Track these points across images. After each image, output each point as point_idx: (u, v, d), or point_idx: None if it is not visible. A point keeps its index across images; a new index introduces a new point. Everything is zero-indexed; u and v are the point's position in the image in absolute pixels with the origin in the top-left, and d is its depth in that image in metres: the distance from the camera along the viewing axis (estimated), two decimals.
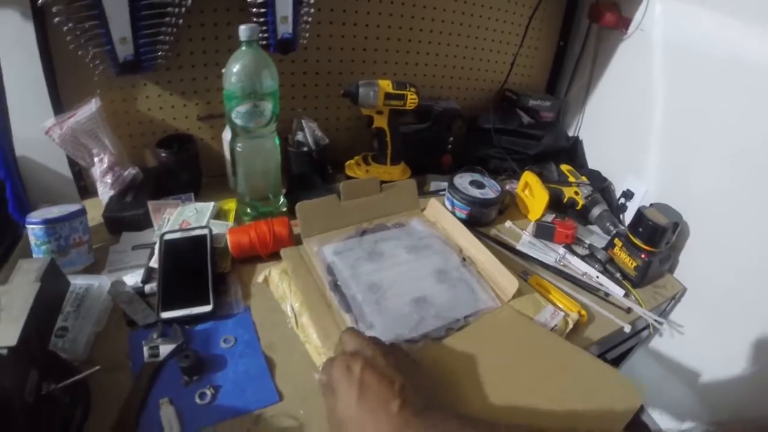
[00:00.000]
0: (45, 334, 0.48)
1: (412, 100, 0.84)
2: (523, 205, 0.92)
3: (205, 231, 0.67)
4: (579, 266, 0.79)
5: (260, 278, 0.65)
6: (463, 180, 0.87)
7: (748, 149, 0.72)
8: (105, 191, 0.77)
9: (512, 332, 0.58)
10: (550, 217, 0.88)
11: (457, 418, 0.38)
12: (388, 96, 0.82)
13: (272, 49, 0.79)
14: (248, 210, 0.78)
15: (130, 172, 0.79)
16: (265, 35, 0.77)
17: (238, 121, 0.69)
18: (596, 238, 0.87)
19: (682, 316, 0.82)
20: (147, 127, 0.84)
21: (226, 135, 0.82)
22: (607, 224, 0.87)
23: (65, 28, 0.65)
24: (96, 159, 0.77)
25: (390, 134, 0.87)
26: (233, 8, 0.78)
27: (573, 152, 1.10)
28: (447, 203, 0.87)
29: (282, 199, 0.81)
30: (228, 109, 0.68)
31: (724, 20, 0.75)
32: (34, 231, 0.61)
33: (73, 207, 0.65)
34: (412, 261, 0.67)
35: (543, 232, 0.84)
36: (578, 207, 0.90)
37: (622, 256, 0.78)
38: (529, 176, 0.90)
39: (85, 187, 0.84)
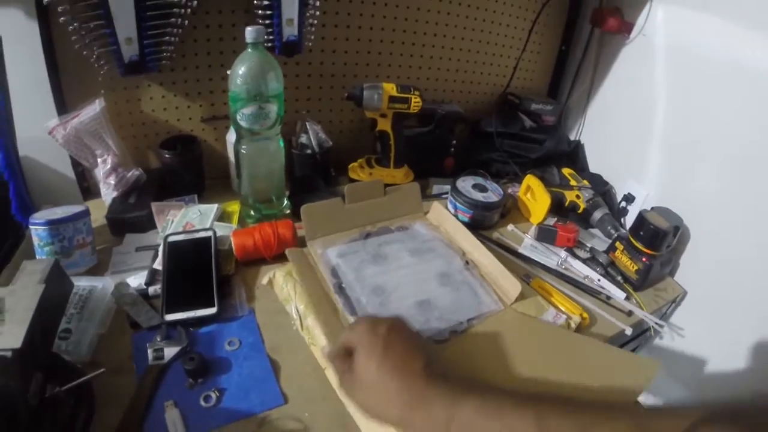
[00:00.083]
0: (49, 336, 0.48)
1: (416, 103, 0.84)
2: (525, 209, 0.93)
3: (209, 233, 0.67)
4: (581, 269, 0.79)
5: (264, 280, 0.65)
6: (465, 183, 0.87)
7: (749, 154, 0.72)
8: (108, 192, 0.77)
9: (518, 331, 0.59)
10: (551, 221, 0.88)
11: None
12: (392, 99, 0.83)
13: (277, 51, 0.79)
14: (252, 212, 0.78)
15: (134, 173, 0.79)
16: (271, 37, 0.77)
17: (244, 123, 0.69)
18: (597, 241, 0.87)
19: (682, 319, 0.82)
20: (151, 128, 0.84)
21: (230, 136, 0.82)
22: (609, 228, 0.87)
23: (70, 27, 0.65)
24: (99, 160, 0.76)
25: (393, 137, 0.87)
26: (238, 10, 0.79)
27: (574, 156, 1.10)
28: (450, 206, 0.87)
29: (285, 202, 0.82)
30: (233, 111, 0.68)
31: (725, 26, 0.75)
32: (37, 232, 0.61)
33: (77, 208, 0.65)
34: (416, 264, 0.67)
35: (545, 235, 0.84)
36: (580, 210, 0.91)
37: (623, 259, 0.78)
38: (531, 180, 0.91)
39: (88, 188, 0.83)
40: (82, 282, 0.60)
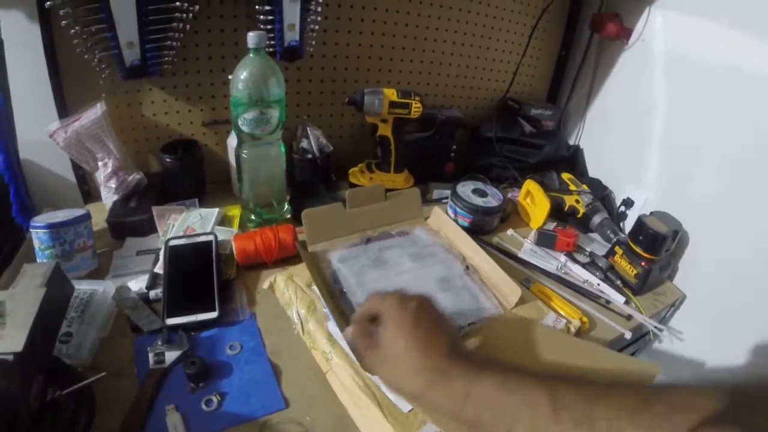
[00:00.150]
0: (50, 339, 0.48)
1: (416, 108, 0.84)
2: (525, 214, 0.93)
3: (211, 237, 0.67)
4: (580, 274, 0.79)
5: (265, 285, 0.65)
6: (465, 188, 0.87)
7: (748, 158, 0.73)
8: (109, 196, 0.77)
9: (518, 335, 0.59)
10: (551, 225, 0.89)
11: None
12: (392, 104, 0.83)
13: (279, 56, 0.79)
14: (252, 216, 0.78)
15: (135, 177, 0.79)
16: (272, 42, 0.78)
17: (245, 128, 0.69)
18: (597, 245, 0.87)
19: (681, 323, 0.83)
20: (152, 132, 0.84)
21: (231, 141, 0.83)
22: (608, 232, 0.88)
23: (72, 31, 0.66)
24: (100, 163, 0.76)
25: (394, 142, 0.88)
26: (240, 15, 0.79)
27: (574, 161, 1.11)
28: (450, 211, 0.88)
29: (286, 206, 0.82)
30: (234, 115, 0.69)
31: (723, 31, 0.76)
32: (38, 235, 0.61)
33: (78, 211, 0.65)
34: (416, 269, 0.67)
35: (544, 240, 0.85)
36: (579, 215, 0.91)
37: (622, 263, 0.78)
38: (530, 185, 0.91)
39: (89, 192, 0.83)
40: (83, 285, 0.60)
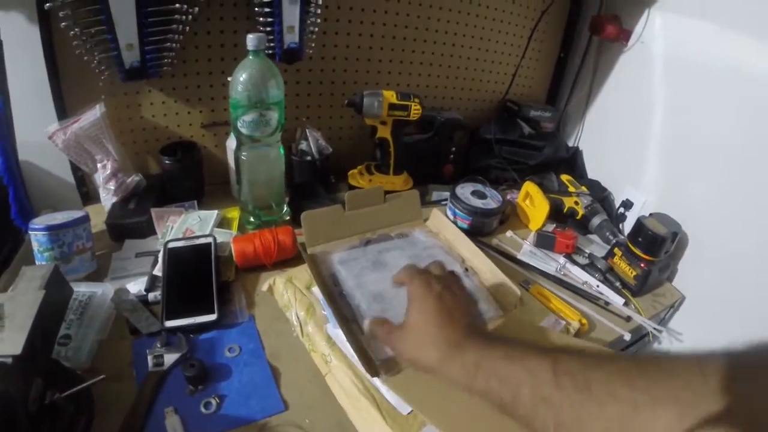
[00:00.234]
0: (49, 342, 0.48)
1: (416, 110, 0.84)
2: (524, 215, 0.93)
3: (210, 240, 0.67)
4: (579, 275, 0.79)
5: (264, 287, 0.65)
6: (464, 190, 0.87)
7: (747, 160, 0.73)
8: (108, 198, 0.77)
9: (517, 337, 0.59)
10: (550, 227, 0.89)
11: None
12: (392, 106, 0.83)
13: (278, 58, 0.79)
14: (251, 218, 0.78)
15: (134, 178, 0.78)
16: (272, 44, 0.78)
17: (244, 130, 0.69)
18: (596, 247, 0.87)
19: (681, 324, 0.83)
20: (151, 134, 0.84)
21: (230, 143, 0.83)
22: (607, 234, 0.88)
23: (71, 32, 0.66)
24: (99, 165, 0.76)
25: (393, 144, 0.88)
26: (240, 17, 0.79)
27: (573, 162, 1.11)
28: (449, 213, 0.88)
29: (285, 208, 0.82)
30: (234, 117, 0.69)
31: (723, 33, 0.76)
32: (37, 237, 0.61)
33: (77, 213, 0.64)
34: None
35: (544, 241, 0.85)
36: (578, 217, 0.91)
37: (621, 265, 0.79)
38: (529, 186, 0.91)
39: (88, 193, 0.83)
40: (82, 288, 0.60)
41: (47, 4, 0.63)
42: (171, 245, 0.65)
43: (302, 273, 0.65)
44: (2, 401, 0.37)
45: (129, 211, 0.75)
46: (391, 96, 0.83)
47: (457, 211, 0.85)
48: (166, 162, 0.80)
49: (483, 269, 0.70)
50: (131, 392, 0.49)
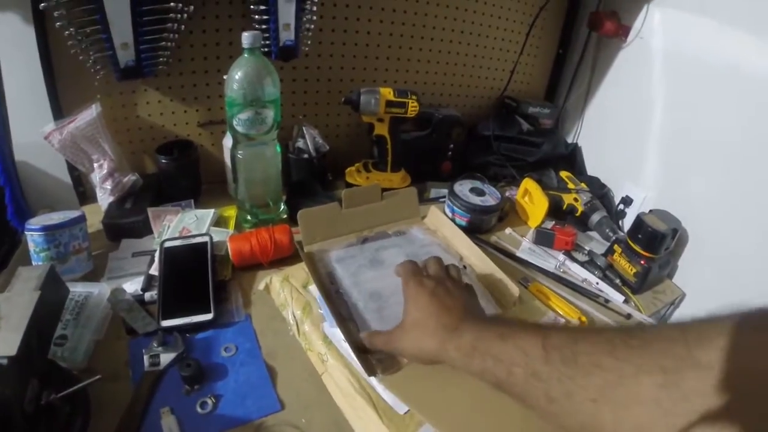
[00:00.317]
0: (45, 342, 0.48)
1: (413, 107, 0.84)
2: (523, 212, 0.93)
3: (206, 239, 0.66)
4: (579, 273, 0.79)
5: (261, 286, 0.65)
6: (463, 187, 0.87)
7: (747, 155, 0.72)
8: (104, 197, 0.77)
9: None
10: (549, 224, 0.88)
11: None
12: (389, 103, 0.83)
13: (274, 56, 0.79)
14: (248, 217, 0.78)
15: (130, 178, 0.78)
16: (267, 42, 0.77)
17: (240, 129, 0.68)
18: (596, 244, 0.87)
19: None
20: (147, 133, 0.84)
21: (227, 141, 0.82)
22: (607, 230, 0.87)
23: (66, 32, 0.65)
24: (96, 165, 0.76)
25: (390, 141, 0.87)
26: (235, 15, 0.79)
27: (572, 159, 1.10)
28: (447, 210, 0.87)
29: (282, 206, 0.81)
30: (229, 116, 0.68)
31: (722, 29, 0.76)
32: (33, 238, 0.61)
33: (73, 213, 0.64)
34: None
35: (543, 238, 0.84)
36: (577, 213, 0.91)
37: (621, 262, 0.78)
38: (528, 183, 0.91)
39: (85, 193, 0.83)
40: (78, 288, 0.60)
41: (42, 4, 0.62)
42: (167, 245, 0.65)
43: (299, 271, 0.65)
44: None
45: (126, 210, 0.75)
46: (388, 93, 0.82)
47: (455, 208, 0.85)
48: (163, 161, 0.80)
49: (481, 267, 0.69)
50: (127, 392, 0.49)
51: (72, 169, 0.80)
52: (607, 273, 0.80)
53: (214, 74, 0.82)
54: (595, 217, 0.89)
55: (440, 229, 0.77)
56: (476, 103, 1.13)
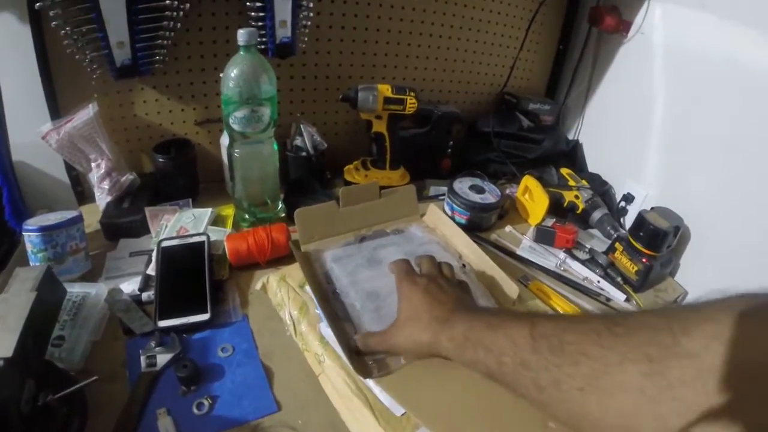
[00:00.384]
0: (42, 343, 0.48)
1: (411, 104, 0.83)
2: (523, 210, 0.92)
3: (203, 238, 0.66)
4: (580, 271, 0.78)
5: (258, 285, 0.65)
6: (462, 185, 0.86)
7: (749, 152, 0.71)
8: (102, 197, 0.76)
9: None
10: (550, 222, 0.88)
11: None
12: (387, 100, 0.82)
13: (271, 53, 0.79)
14: (246, 216, 0.77)
15: (128, 177, 0.78)
16: (264, 39, 0.77)
17: (236, 127, 0.68)
18: (597, 242, 0.86)
19: None
20: (144, 132, 0.84)
21: (224, 140, 0.82)
22: (608, 228, 0.87)
23: (62, 32, 0.65)
24: (93, 164, 0.76)
25: (389, 139, 0.87)
26: (231, 12, 0.78)
27: (573, 156, 1.09)
28: (446, 208, 0.87)
29: (280, 205, 0.81)
30: (226, 114, 0.68)
31: (723, 24, 0.75)
32: (30, 238, 0.61)
33: (70, 214, 0.64)
34: None
35: (543, 236, 0.84)
36: (578, 211, 0.90)
37: (623, 260, 0.77)
38: (529, 180, 0.90)
39: (82, 193, 0.83)
40: (76, 288, 0.60)
41: (38, 4, 0.62)
42: (164, 244, 0.65)
43: (296, 271, 0.64)
44: None
45: (123, 210, 0.75)
46: (386, 90, 0.82)
47: (454, 206, 0.84)
48: (160, 160, 0.79)
49: (481, 265, 0.69)
50: (124, 393, 0.49)
51: (70, 168, 0.80)
52: (609, 271, 0.79)
53: (211, 72, 0.82)
54: (596, 215, 0.89)
55: (439, 228, 0.77)
56: (476, 99, 1.12)
